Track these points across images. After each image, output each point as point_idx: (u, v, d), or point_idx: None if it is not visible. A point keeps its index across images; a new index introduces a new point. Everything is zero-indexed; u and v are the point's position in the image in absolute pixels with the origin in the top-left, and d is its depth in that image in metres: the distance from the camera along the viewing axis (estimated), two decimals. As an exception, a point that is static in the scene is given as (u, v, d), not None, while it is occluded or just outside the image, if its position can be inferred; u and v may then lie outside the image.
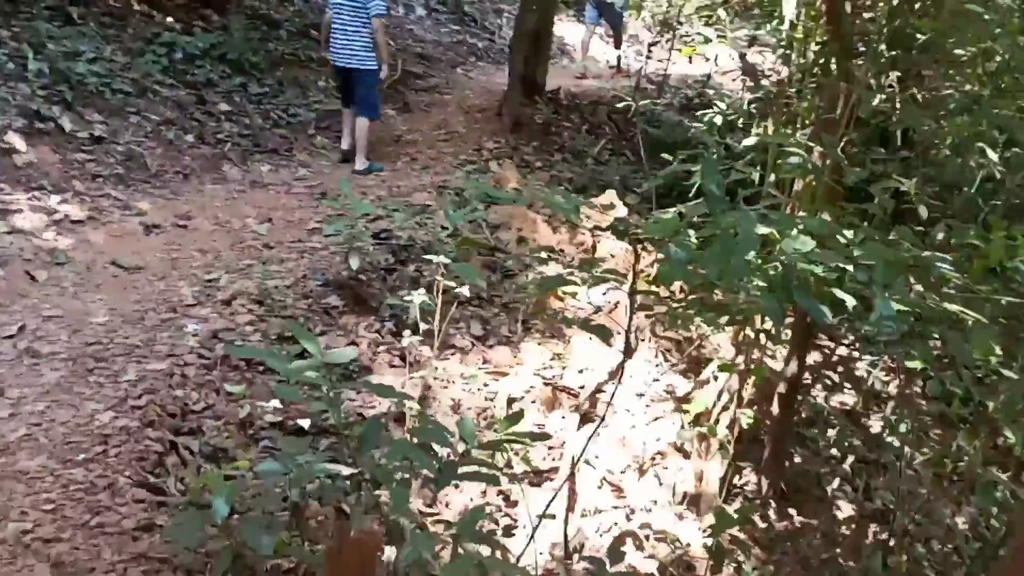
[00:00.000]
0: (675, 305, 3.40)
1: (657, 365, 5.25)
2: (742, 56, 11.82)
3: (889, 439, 5.67)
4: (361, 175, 6.78)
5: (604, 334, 2.56)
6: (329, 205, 5.44)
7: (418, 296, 4.15)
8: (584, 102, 9.86)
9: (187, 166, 6.05)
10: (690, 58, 9.31)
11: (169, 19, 7.58)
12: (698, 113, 5.08)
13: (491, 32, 11.78)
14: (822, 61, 4.32)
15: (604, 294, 5.56)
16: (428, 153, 7.28)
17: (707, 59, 11.42)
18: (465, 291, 4.39)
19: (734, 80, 12.38)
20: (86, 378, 3.79)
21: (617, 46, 11.47)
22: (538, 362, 4.98)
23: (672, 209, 3.06)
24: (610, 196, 6.34)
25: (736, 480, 4.89)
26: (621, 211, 6.26)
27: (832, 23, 4.10)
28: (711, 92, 11.86)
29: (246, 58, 7.34)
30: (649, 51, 9.92)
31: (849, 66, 4.00)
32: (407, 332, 4.45)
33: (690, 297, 3.25)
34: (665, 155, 8.30)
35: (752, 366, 4.66)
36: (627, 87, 10.96)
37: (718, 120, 4.85)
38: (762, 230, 2.38)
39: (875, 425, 5.92)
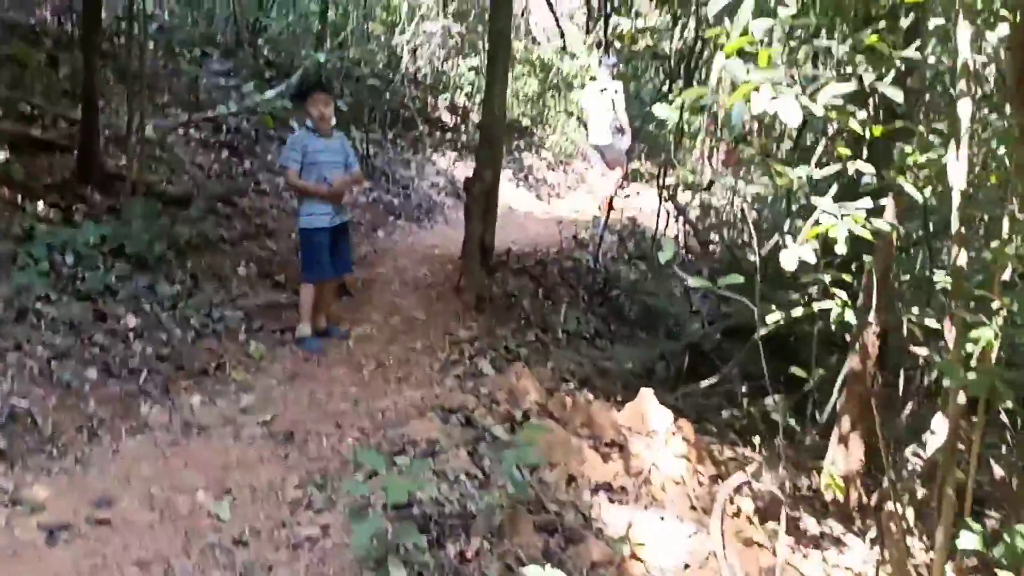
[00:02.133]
0: None
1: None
2: (673, 201, 11.11)
3: None
4: (305, 349, 5.80)
5: None
6: (352, 489, 3.81)
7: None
8: (531, 262, 8.73)
9: (93, 416, 4.36)
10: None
11: (40, 205, 5.94)
12: (806, 307, 3.92)
13: (404, 186, 10.59)
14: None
15: (690, 537, 4.22)
16: (393, 352, 5.84)
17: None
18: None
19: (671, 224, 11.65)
20: None
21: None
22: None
23: None
24: (646, 398, 5.08)
25: None
26: (662, 417, 4.99)
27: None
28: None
29: (150, 250, 5.77)
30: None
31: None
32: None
33: None
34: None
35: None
36: (566, 238, 10.02)
37: (850, 316, 3.70)
38: None
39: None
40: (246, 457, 4.26)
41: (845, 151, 3.20)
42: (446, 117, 14.12)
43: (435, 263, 8.01)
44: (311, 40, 11.33)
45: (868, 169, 3.17)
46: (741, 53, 2.85)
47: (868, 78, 3.04)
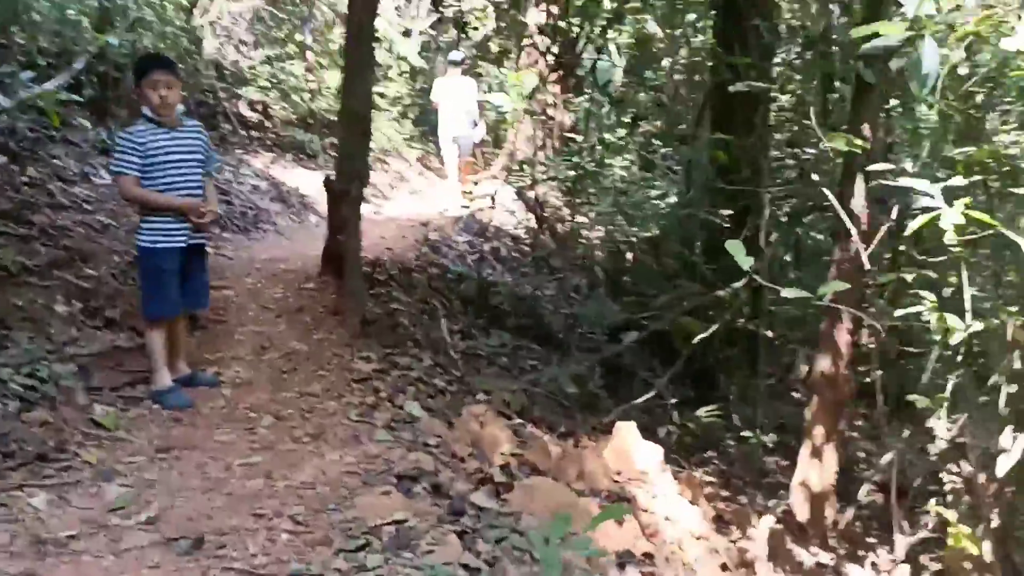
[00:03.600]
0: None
1: None
2: (519, 191, 10.42)
3: None
4: (169, 406, 4.41)
5: None
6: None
7: None
8: (394, 271, 7.64)
9: None
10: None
11: None
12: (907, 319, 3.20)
13: (223, 191, 9.06)
14: None
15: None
16: (288, 400, 4.60)
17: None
18: None
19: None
20: None
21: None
22: None
23: None
24: (627, 433, 4.22)
25: None
26: (649, 453, 4.17)
27: None
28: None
29: (-65, 291, 4.18)
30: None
31: None
32: None
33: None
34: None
35: None
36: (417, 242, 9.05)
37: (955, 321, 3.00)
38: None
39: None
40: (143, 583, 2.96)
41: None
42: (248, 113, 12.58)
43: (290, 281, 6.73)
44: (92, 21, 9.46)
45: None
46: None
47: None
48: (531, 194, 11.28)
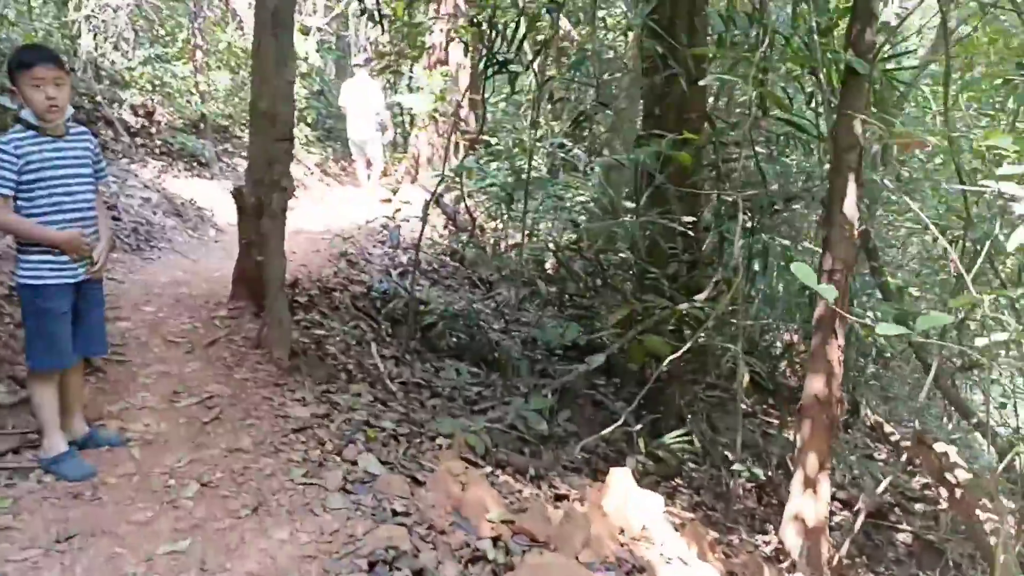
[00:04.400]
0: None
1: None
2: (438, 198, 9.76)
3: None
4: (66, 477, 3.57)
5: None
6: None
7: None
8: (314, 291, 6.88)
9: None
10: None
11: None
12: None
13: (109, 206, 8.10)
14: None
15: None
16: (213, 460, 3.83)
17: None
18: None
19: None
20: None
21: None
22: None
23: None
24: (622, 481, 3.64)
25: None
26: (649, 504, 3.60)
27: None
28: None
29: None
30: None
31: None
32: None
33: None
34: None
35: None
36: (332, 257, 8.30)
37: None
38: None
39: None
40: None
41: None
42: (129, 118, 11.48)
43: (197, 309, 5.90)
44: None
45: None
46: None
47: None
48: (448, 201, 10.65)
